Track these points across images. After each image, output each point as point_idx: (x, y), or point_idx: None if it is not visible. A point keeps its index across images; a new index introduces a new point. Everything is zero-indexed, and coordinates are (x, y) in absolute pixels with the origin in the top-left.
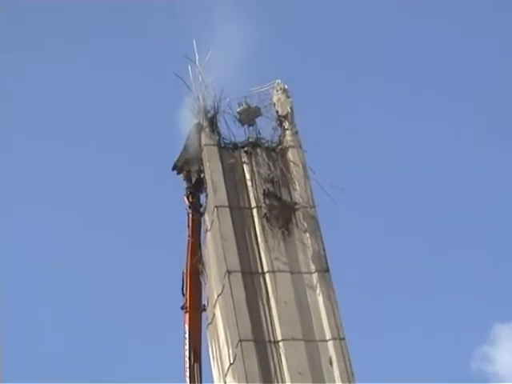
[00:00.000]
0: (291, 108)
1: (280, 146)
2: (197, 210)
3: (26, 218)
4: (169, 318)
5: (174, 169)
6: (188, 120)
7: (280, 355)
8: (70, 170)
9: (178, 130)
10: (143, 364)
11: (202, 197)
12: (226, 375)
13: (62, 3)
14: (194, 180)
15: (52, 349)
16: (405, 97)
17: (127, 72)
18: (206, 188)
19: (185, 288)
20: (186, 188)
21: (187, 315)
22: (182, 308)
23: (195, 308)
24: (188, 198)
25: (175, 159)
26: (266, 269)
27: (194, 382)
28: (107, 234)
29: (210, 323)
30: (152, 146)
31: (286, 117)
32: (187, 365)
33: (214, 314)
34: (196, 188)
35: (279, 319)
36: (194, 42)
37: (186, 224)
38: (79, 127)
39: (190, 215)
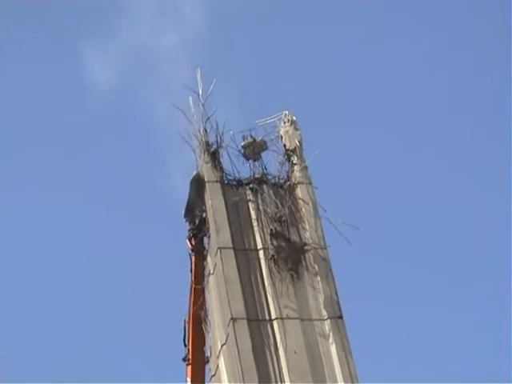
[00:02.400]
0: (300, 141)
1: (288, 183)
2: (200, 252)
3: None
4: (168, 371)
5: (186, 215)
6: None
7: None
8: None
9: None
10: None
11: (206, 238)
12: None
13: None
14: (197, 221)
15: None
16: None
17: None
18: (209, 228)
19: (187, 338)
20: (189, 230)
21: (189, 368)
22: (184, 360)
23: (198, 360)
24: (191, 240)
25: (185, 205)
26: (273, 316)
27: None
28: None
29: (214, 375)
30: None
31: (294, 151)
32: None
33: (217, 366)
34: (199, 229)
35: (288, 371)
36: (199, 71)
37: (189, 268)
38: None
39: (193, 259)
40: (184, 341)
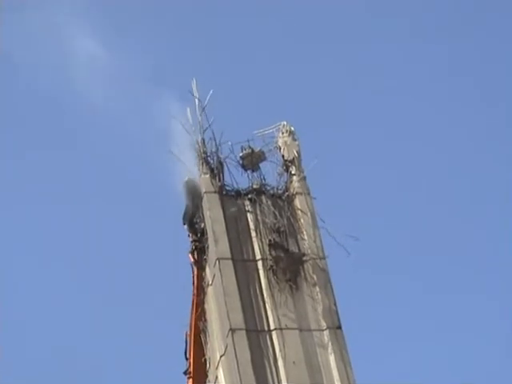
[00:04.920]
0: (298, 152)
1: (286, 193)
2: (202, 264)
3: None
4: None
5: (184, 222)
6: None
7: None
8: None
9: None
10: None
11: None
12: None
13: None
14: (199, 233)
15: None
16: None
17: None
18: (207, 239)
19: (188, 351)
20: (192, 242)
21: (190, 381)
22: (185, 373)
23: (200, 373)
24: (193, 252)
25: (183, 211)
26: (272, 326)
27: None
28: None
29: None
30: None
31: (292, 161)
32: None
33: (216, 377)
34: (201, 241)
35: (288, 381)
36: (194, 81)
37: (191, 281)
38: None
39: (195, 271)
40: (185, 354)
